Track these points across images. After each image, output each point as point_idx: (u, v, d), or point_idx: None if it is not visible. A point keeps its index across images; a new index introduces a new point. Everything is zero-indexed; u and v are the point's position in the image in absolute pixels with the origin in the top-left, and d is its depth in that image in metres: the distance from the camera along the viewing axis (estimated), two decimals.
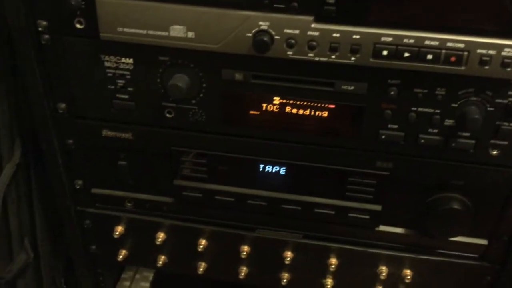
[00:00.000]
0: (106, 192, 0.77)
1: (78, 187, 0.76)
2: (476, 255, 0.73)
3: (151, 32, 0.59)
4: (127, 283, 0.98)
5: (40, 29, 0.61)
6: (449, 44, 0.55)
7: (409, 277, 0.74)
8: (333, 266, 0.75)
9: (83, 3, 0.58)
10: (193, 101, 0.65)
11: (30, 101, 0.67)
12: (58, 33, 0.62)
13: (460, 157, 0.64)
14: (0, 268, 0.81)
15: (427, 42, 0.55)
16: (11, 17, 0.60)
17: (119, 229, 0.78)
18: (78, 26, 0.60)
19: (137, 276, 0.99)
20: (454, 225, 0.68)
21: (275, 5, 0.55)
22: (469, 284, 0.76)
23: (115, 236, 0.78)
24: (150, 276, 0.99)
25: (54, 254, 0.89)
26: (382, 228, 0.73)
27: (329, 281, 0.78)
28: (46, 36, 0.62)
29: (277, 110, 0.64)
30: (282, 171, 0.70)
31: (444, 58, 0.56)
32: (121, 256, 0.81)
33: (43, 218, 0.84)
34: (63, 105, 0.68)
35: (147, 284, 0.98)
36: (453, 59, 0.56)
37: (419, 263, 0.74)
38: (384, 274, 0.75)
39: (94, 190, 0.77)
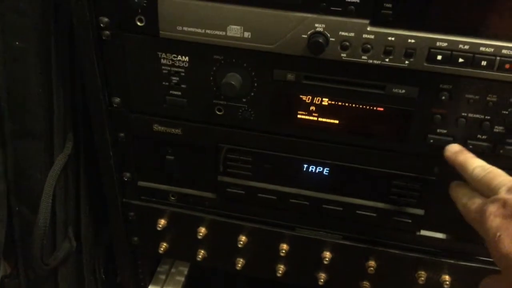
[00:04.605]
0: (151, 185, 0.79)
1: (126, 179, 0.78)
2: None
3: (208, 31, 0.61)
4: (163, 277, 1.00)
5: (101, 25, 0.64)
6: (504, 51, 0.56)
7: (447, 282, 0.74)
8: (372, 268, 0.76)
9: (145, 1, 0.61)
10: (244, 100, 0.67)
11: (86, 95, 0.70)
12: (119, 29, 0.64)
13: (507, 164, 0.64)
14: (45, 255, 0.84)
15: (482, 49, 0.56)
16: (75, 13, 0.62)
17: (162, 222, 0.80)
18: (138, 23, 0.63)
19: (173, 270, 1.01)
20: None
21: (332, 8, 0.57)
22: None
23: (158, 229, 0.81)
24: (185, 270, 1.01)
25: (96, 244, 0.92)
26: (423, 232, 0.73)
27: (367, 284, 0.78)
28: (107, 32, 0.64)
29: (326, 111, 0.66)
30: (326, 171, 0.71)
31: (498, 65, 0.56)
32: (162, 249, 0.83)
33: (88, 208, 0.87)
34: (117, 99, 0.70)
35: (182, 278, 1.00)
36: (507, 66, 0.56)
37: (459, 269, 0.74)
38: (422, 278, 0.75)
39: (141, 183, 0.79)
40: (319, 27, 0.58)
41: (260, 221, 0.78)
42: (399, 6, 0.55)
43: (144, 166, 0.78)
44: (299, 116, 0.67)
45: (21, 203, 0.83)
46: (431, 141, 0.64)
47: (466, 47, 0.56)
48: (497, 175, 0.54)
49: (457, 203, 0.59)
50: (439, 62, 0.57)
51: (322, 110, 0.66)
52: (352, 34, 0.58)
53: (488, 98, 0.60)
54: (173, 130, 0.72)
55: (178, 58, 0.65)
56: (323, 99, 0.65)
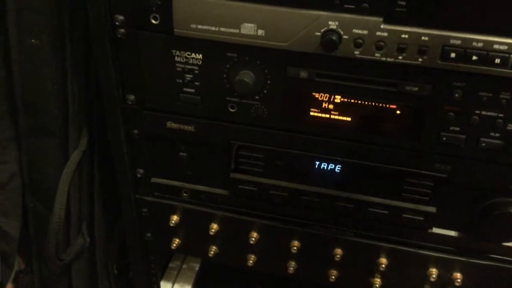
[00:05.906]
0: (164, 181, 0.80)
1: (139, 175, 0.79)
2: None
3: (222, 29, 0.61)
4: (174, 272, 1.01)
5: (116, 23, 0.64)
6: None
7: (459, 280, 0.75)
8: (383, 265, 0.76)
9: None
10: (257, 97, 0.67)
11: (101, 92, 0.71)
12: (134, 27, 0.65)
13: None
14: (59, 251, 0.85)
15: (496, 46, 0.56)
16: (91, 11, 0.63)
17: (175, 218, 0.81)
18: (153, 21, 0.63)
19: (184, 266, 1.02)
20: (509, 230, 0.68)
21: (345, 6, 0.57)
22: None
23: (171, 225, 0.81)
24: (196, 266, 1.02)
25: (109, 240, 0.93)
26: (435, 230, 0.73)
27: (378, 281, 0.79)
28: (122, 30, 0.65)
29: (338, 108, 0.66)
30: (338, 168, 0.72)
31: None
32: (174, 245, 0.84)
33: (101, 204, 0.88)
34: (132, 97, 0.71)
35: (193, 274, 1.01)
36: None
37: (470, 266, 0.74)
38: (434, 276, 0.75)
39: (154, 180, 0.80)
40: (333, 24, 0.58)
41: (272, 217, 0.79)
42: (412, 4, 0.55)
43: (158, 162, 0.78)
44: (311, 113, 0.67)
45: (36, 199, 0.84)
46: (444, 138, 0.64)
47: (480, 44, 0.56)
48: None
49: None
50: (453, 59, 0.57)
51: (334, 108, 0.66)
52: (365, 32, 0.58)
53: (501, 96, 0.60)
54: (186, 127, 0.72)
55: (192, 56, 0.65)
56: (336, 96, 0.65)
